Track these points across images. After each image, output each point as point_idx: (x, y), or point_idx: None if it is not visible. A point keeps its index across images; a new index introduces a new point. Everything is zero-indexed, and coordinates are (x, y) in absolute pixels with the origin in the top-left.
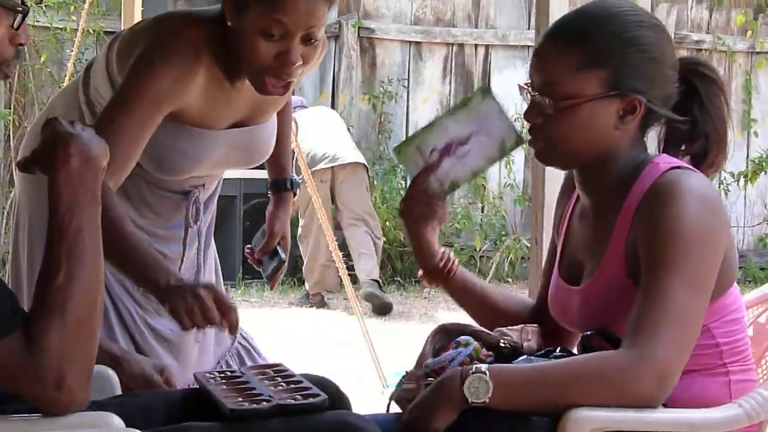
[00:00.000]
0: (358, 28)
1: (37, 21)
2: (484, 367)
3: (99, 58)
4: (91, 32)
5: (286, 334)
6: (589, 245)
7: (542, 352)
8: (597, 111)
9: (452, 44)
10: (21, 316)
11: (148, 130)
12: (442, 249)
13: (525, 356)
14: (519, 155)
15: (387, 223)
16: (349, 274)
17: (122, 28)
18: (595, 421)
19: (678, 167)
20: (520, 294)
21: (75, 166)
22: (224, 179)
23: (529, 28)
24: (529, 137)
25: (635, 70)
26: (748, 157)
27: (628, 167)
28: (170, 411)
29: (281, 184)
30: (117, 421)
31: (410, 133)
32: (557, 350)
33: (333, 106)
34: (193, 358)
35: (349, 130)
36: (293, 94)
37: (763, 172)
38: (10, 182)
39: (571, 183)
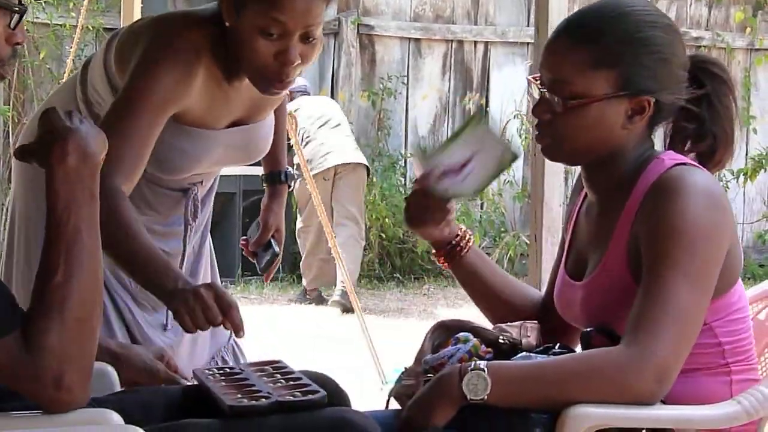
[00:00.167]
0: (358, 24)
1: (37, 17)
2: (482, 363)
3: (97, 55)
4: (91, 29)
5: (285, 331)
6: (593, 240)
7: (541, 348)
8: (606, 110)
9: (452, 41)
10: (20, 315)
11: (155, 131)
12: (460, 228)
13: (524, 353)
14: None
15: (386, 219)
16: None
17: (122, 25)
18: (594, 418)
19: (683, 163)
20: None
21: (72, 164)
22: (223, 176)
23: (528, 25)
24: (536, 132)
25: (646, 70)
26: (747, 154)
27: (633, 164)
28: (169, 407)
29: (276, 177)
30: (116, 417)
31: (409, 130)
32: (556, 347)
33: None
34: (187, 352)
35: (348, 125)
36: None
37: (762, 170)
38: (9, 179)
39: (581, 182)
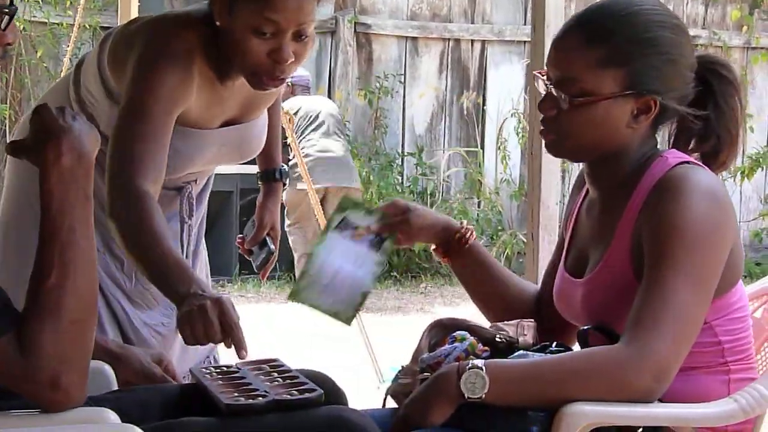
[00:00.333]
0: (355, 23)
1: (34, 16)
2: (480, 362)
3: (90, 56)
4: (88, 27)
5: (282, 329)
6: (594, 238)
7: (538, 347)
8: (612, 109)
9: (448, 39)
10: (14, 317)
11: (169, 131)
12: (461, 223)
13: (521, 351)
14: (515, 151)
15: None
16: None
17: (119, 24)
18: (591, 416)
19: (686, 162)
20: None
21: (67, 164)
22: (220, 174)
23: (525, 24)
24: (541, 127)
25: (653, 70)
26: (743, 152)
27: (637, 162)
28: (166, 406)
29: (270, 175)
30: (113, 416)
31: (406, 129)
32: (553, 345)
33: None
34: (179, 352)
35: (345, 125)
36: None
37: (759, 168)
38: None
39: (583, 179)
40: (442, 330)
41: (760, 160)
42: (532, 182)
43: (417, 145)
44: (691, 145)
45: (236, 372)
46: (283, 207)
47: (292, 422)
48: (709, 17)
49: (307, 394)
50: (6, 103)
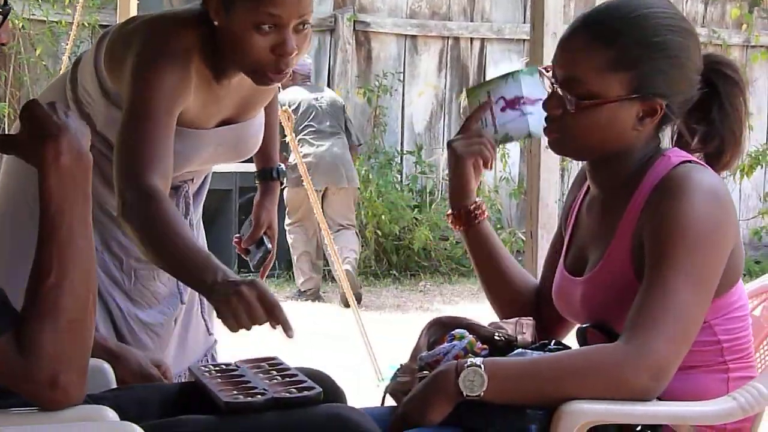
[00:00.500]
0: (354, 21)
1: (33, 14)
2: (479, 360)
3: (87, 55)
4: (87, 25)
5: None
6: (595, 236)
7: (537, 345)
8: (617, 112)
9: (448, 38)
10: (13, 316)
11: (172, 130)
12: (478, 198)
13: (519, 349)
14: (515, 149)
15: (383, 216)
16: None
17: (117, 22)
18: (590, 414)
19: (689, 161)
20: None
21: (66, 163)
22: (219, 173)
23: (524, 22)
24: (545, 125)
25: (661, 74)
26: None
27: (640, 161)
28: (165, 404)
29: (268, 174)
30: (111, 414)
31: (405, 127)
32: (552, 343)
33: None
34: (175, 350)
35: (347, 121)
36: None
37: (758, 166)
38: None
39: (584, 175)
40: (441, 328)
41: (760, 158)
42: (531, 180)
43: (416, 143)
44: (695, 145)
45: (235, 370)
46: (283, 206)
47: (290, 420)
48: (709, 15)
49: (305, 393)
50: (5, 101)
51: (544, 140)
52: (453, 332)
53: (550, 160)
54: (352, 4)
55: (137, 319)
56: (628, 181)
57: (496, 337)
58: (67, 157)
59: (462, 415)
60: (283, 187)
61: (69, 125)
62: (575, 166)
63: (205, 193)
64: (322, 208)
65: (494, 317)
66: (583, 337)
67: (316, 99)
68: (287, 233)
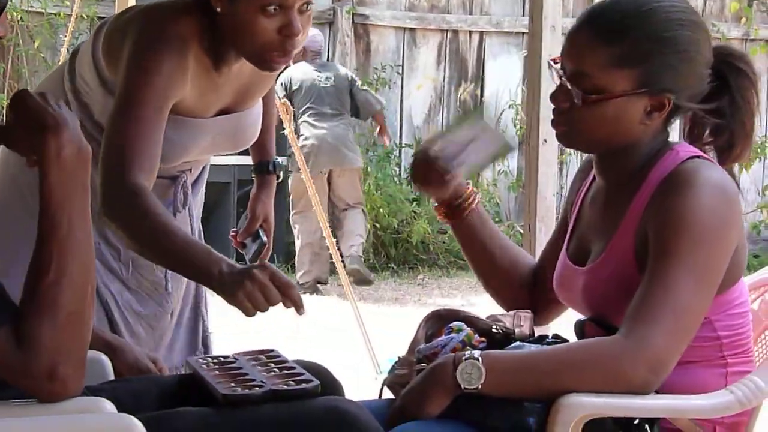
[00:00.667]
0: (353, 14)
1: (31, 6)
2: (477, 353)
3: (84, 45)
4: (85, 17)
5: (279, 320)
6: (599, 227)
7: (535, 338)
8: (625, 107)
9: (446, 31)
10: (11, 310)
11: (163, 121)
12: (468, 187)
13: (517, 342)
14: (513, 142)
15: (381, 209)
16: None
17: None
18: (588, 407)
19: (697, 156)
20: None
21: (68, 158)
22: (218, 165)
23: (523, 15)
24: (552, 118)
25: (670, 69)
26: None
27: (647, 155)
28: (162, 396)
29: (264, 167)
30: (109, 406)
31: (404, 120)
32: (550, 336)
33: None
34: (168, 343)
35: (355, 97)
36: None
37: (757, 159)
38: None
39: (590, 163)
40: (439, 321)
41: (758, 151)
42: (530, 174)
43: (415, 136)
44: (705, 138)
45: (233, 362)
46: (283, 197)
47: (288, 413)
48: (708, 9)
49: (303, 385)
50: (3, 93)
51: (543, 133)
52: (451, 325)
53: (548, 154)
54: None
55: (132, 310)
56: (634, 175)
57: (493, 330)
58: (68, 150)
59: (460, 408)
60: (289, 172)
61: (66, 117)
62: (574, 160)
63: (204, 183)
64: (329, 191)
65: (492, 310)
66: (581, 331)
67: (321, 79)
68: (292, 224)
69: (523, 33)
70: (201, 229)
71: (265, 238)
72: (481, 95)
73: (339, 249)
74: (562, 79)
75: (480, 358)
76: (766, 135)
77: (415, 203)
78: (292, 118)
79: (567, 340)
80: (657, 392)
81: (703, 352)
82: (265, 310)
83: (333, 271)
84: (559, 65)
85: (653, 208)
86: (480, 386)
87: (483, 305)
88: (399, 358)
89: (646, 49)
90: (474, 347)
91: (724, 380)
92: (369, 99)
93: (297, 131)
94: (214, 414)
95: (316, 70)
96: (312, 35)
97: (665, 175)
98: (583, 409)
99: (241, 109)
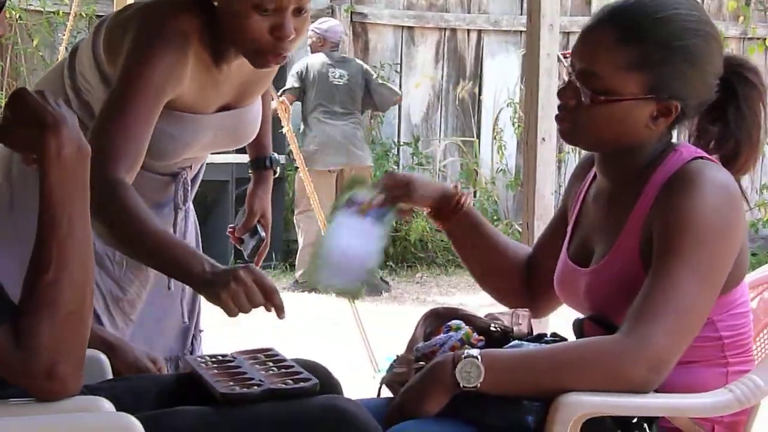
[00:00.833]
0: (351, 12)
1: (30, 5)
2: (476, 351)
3: (84, 43)
4: (84, 16)
5: (277, 318)
6: (602, 228)
7: (533, 336)
8: (632, 110)
9: (445, 29)
10: (9, 309)
11: (153, 118)
12: (455, 188)
13: (516, 341)
14: (512, 140)
15: None
16: None
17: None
18: (587, 406)
19: (701, 157)
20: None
21: (68, 157)
22: (216, 164)
23: (521, 14)
24: (557, 113)
25: (680, 77)
26: None
27: (651, 155)
28: (161, 395)
29: (261, 163)
30: (107, 405)
31: (402, 118)
32: (548, 335)
33: None
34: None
35: (371, 92)
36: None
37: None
38: None
39: (590, 160)
40: (438, 319)
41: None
42: (528, 172)
43: (413, 134)
44: (711, 146)
45: (231, 361)
46: (286, 194)
47: (286, 411)
48: (706, 7)
49: (302, 384)
50: (2, 91)
51: (541, 132)
52: (449, 323)
53: (546, 152)
54: None
55: (118, 307)
56: (638, 175)
57: (492, 329)
58: (68, 149)
59: (458, 406)
60: (290, 171)
61: (65, 116)
62: (572, 158)
63: (199, 182)
64: (337, 189)
65: (491, 309)
66: (579, 329)
67: (336, 76)
68: (295, 222)
69: (521, 31)
70: (197, 225)
71: (263, 234)
72: (479, 94)
73: None
74: (572, 76)
75: (479, 357)
76: (765, 135)
77: None
78: (290, 116)
79: (566, 339)
80: (657, 391)
81: (705, 352)
82: (248, 311)
83: None
84: (568, 60)
85: (658, 208)
86: (479, 385)
87: (481, 303)
88: (397, 356)
89: (659, 56)
90: (472, 346)
91: (725, 380)
92: (385, 93)
93: (307, 126)
94: (212, 413)
95: (332, 65)
96: (333, 25)
97: (670, 176)
98: (582, 408)
99: (242, 105)
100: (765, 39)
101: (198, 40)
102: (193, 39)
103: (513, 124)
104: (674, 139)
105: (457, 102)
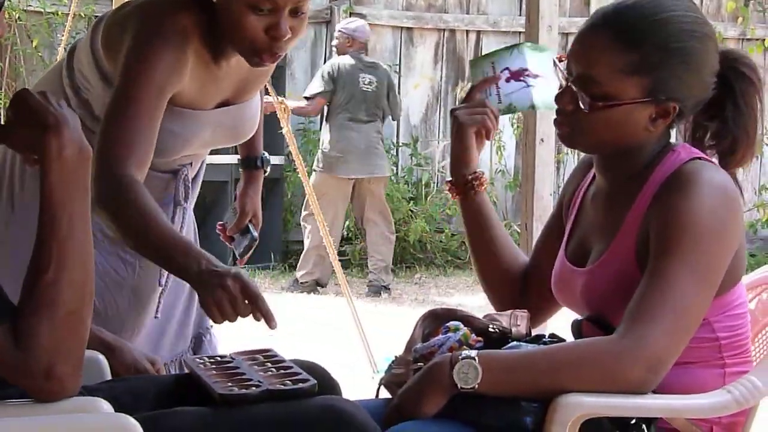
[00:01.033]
0: (350, 13)
1: (29, 5)
2: (473, 352)
3: (82, 41)
4: (83, 16)
5: (277, 319)
6: (599, 228)
7: (532, 337)
8: (630, 113)
9: (444, 30)
10: (9, 309)
11: (159, 115)
12: (479, 169)
13: (514, 342)
14: (510, 141)
15: None
16: (340, 260)
17: None
18: (585, 407)
19: (699, 158)
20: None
21: (69, 158)
22: (216, 164)
23: (520, 15)
24: (555, 117)
25: (677, 79)
26: None
27: (650, 156)
28: (159, 396)
29: (252, 162)
30: (106, 405)
31: (401, 119)
32: (546, 336)
33: None
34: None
35: (391, 102)
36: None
37: (754, 158)
38: None
39: (589, 162)
40: (436, 320)
41: (755, 150)
42: (527, 173)
43: (412, 135)
44: (708, 142)
45: (230, 362)
46: (284, 195)
47: (285, 412)
48: (704, 8)
49: (300, 384)
50: (1, 91)
51: (540, 133)
52: (448, 324)
53: (545, 153)
54: None
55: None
56: (636, 176)
57: (490, 330)
58: (69, 150)
59: (456, 407)
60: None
61: (67, 116)
62: (571, 159)
63: (200, 181)
64: (351, 199)
65: (489, 310)
66: (578, 330)
67: (365, 81)
68: (302, 224)
69: (519, 32)
70: (195, 226)
71: (255, 234)
72: None
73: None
74: (569, 80)
75: (477, 358)
76: (763, 133)
77: (412, 202)
78: (289, 117)
79: (564, 340)
80: (655, 392)
81: (702, 353)
82: (233, 320)
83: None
84: (564, 65)
85: (655, 208)
86: (477, 386)
87: (480, 305)
88: (396, 357)
89: (656, 59)
90: (471, 347)
91: (722, 381)
92: (398, 102)
93: (329, 129)
94: (211, 414)
95: (362, 69)
96: (361, 25)
97: (667, 176)
98: (580, 409)
99: (240, 101)
100: (764, 40)
101: (197, 37)
102: (192, 36)
103: (512, 125)
104: (672, 139)
105: (456, 103)
